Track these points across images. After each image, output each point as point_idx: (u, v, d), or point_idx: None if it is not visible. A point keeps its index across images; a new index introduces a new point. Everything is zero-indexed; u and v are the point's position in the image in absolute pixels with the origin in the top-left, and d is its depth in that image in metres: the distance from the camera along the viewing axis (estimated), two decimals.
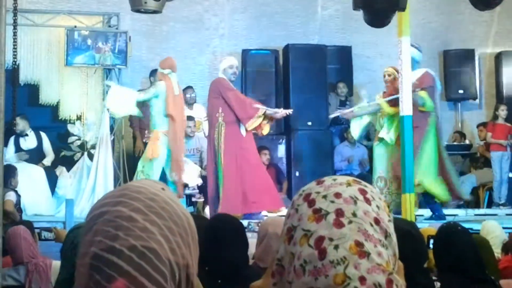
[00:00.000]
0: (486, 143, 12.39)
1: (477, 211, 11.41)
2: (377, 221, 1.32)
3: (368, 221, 1.31)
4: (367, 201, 1.34)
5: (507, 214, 11.06)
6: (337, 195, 1.34)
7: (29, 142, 11.16)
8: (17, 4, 9.29)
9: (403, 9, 8.42)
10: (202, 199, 10.56)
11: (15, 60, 10.30)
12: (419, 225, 5.07)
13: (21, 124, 10.74)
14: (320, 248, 1.28)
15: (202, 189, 10.51)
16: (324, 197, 1.34)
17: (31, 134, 11.23)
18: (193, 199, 10.66)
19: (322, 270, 1.27)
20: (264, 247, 4.13)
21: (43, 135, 11.38)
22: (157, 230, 1.25)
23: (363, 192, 1.36)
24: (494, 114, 12.18)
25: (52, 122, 12.28)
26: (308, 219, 1.33)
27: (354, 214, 1.31)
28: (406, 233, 3.36)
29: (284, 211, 9.55)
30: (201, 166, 11.17)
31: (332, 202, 1.33)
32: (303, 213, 1.34)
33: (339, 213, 1.31)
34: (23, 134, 11.09)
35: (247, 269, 3.86)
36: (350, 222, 1.30)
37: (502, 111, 12.01)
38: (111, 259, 1.21)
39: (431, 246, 4.16)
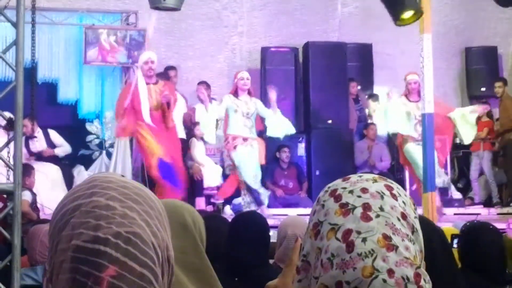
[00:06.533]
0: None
1: (500, 209, 11.30)
2: (404, 216, 1.34)
3: (395, 215, 1.33)
4: (394, 196, 1.36)
5: None
6: (364, 190, 1.36)
7: (38, 144, 11.00)
8: (36, 3, 9.30)
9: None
10: (221, 200, 10.50)
11: (34, 58, 10.31)
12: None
13: (29, 126, 10.43)
14: (347, 241, 1.30)
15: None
16: (351, 192, 1.36)
17: (39, 135, 10.91)
18: (212, 200, 10.61)
19: (350, 263, 1.28)
20: (284, 248, 4.14)
21: (51, 131, 11.08)
22: (136, 215, 1.25)
23: (389, 188, 1.38)
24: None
25: (70, 120, 12.28)
26: (335, 213, 1.34)
27: (381, 209, 1.33)
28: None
29: (303, 210, 9.56)
30: (222, 166, 11.11)
31: (359, 197, 1.35)
32: (330, 208, 1.36)
33: (366, 207, 1.33)
34: (31, 137, 10.78)
35: (265, 268, 3.90)
36: (378, 216, 1.32)
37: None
38: (97, 248, 1.20)
39: (454, 245, 4.12)
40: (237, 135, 9.83)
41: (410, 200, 1.40)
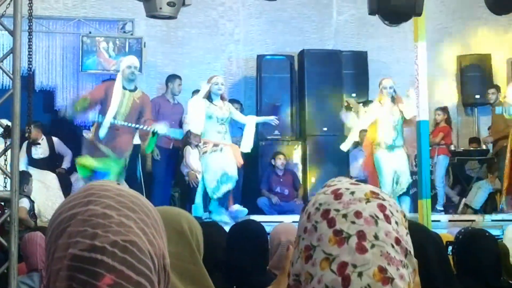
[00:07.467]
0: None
1: (494, 216, 11.33)
2: (397, 241, 1.32)
3: (389, 242, 1.31)
4: (387, 219, 1.33)
5: None
6: (358, 214, 1.33)
7: (40, 151, 11.01)
8: (32, 11, 9.28)
9: (419, 14, 8.38)
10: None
11: (30, 66, 10.28)
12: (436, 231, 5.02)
13: (34, 132, 10.43)
14: (343, 274, 1.28)
15: None
16: (344, 216, 1.33)
17: (43, 142, 10.99)
18: None
19: None
20: (279, 256, 4.13)
21: (55, 140, 11.17)
22: (133, 223, 1.25)
23: (382, 208, 1.34)
24: (434, 119, 12.15)
25: (67, 128, 12.26)
26: (329, 241, 1.32)
27: (376, 237, 1.31)
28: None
29: (299, 217, 9.48)
30: None
31: (353, 223, 1.32)
32: (323, 234, 1.33)
33: (361, 235, 1.31)
34: (35, 143, 10.85)
35: (263, 276, 3.88)
36: (373, 246, 1.30)
37: (438, 116, 12.09)
38: (94, 257, 1.20)
39: (449, 252, 4.12)
40: (208, 140, 9.83)
41: (401, 214, 1.38)
